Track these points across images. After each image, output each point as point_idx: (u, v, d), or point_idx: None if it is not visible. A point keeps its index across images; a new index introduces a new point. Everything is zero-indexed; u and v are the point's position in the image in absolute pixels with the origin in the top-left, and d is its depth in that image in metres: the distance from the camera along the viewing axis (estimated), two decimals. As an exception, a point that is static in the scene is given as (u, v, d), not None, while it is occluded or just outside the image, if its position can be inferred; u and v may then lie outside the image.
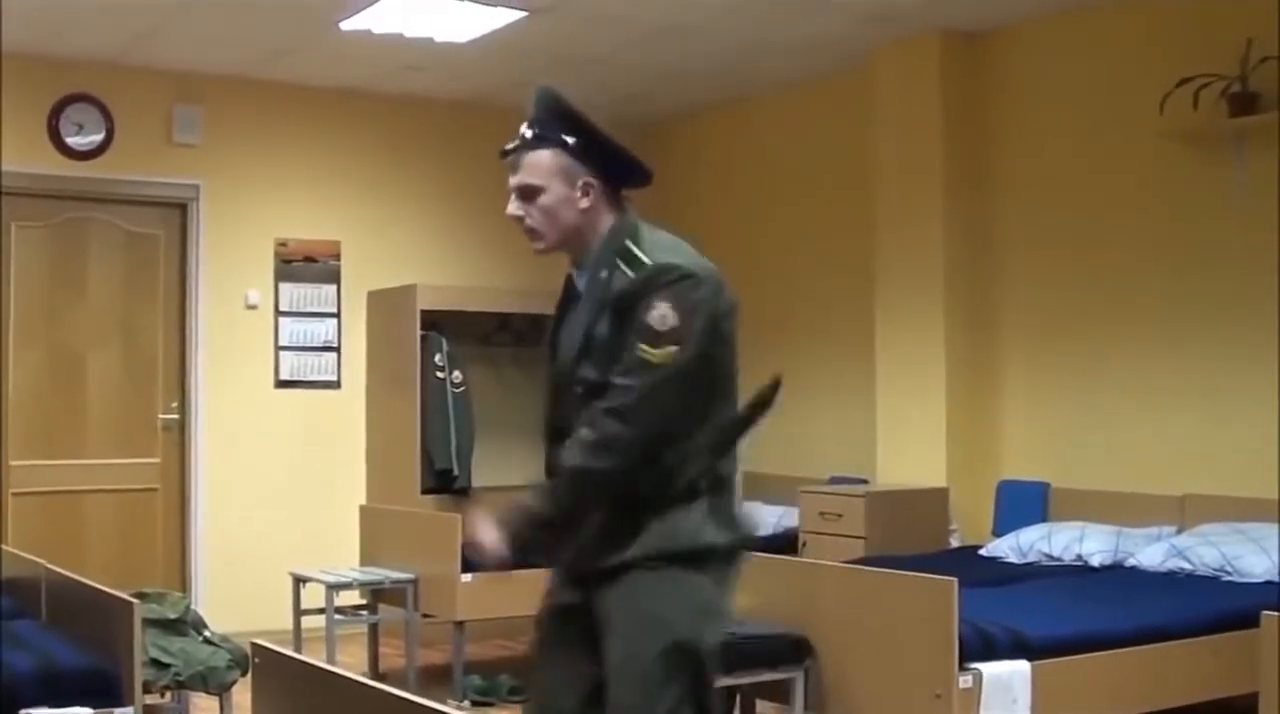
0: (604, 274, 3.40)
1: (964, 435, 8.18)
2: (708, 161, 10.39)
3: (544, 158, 3.43)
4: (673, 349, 3.27)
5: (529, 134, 3.45)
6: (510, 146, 3.50)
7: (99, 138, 8.90)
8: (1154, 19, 7.47)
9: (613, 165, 3.48)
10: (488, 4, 7.75)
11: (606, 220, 3.47)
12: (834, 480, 8.37)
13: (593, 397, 3.36)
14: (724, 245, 9.83)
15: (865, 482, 8.43)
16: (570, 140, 3.43)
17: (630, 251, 3.38)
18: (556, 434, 3.49)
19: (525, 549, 3.43)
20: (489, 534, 3.40)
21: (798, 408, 8.86)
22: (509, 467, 9.52)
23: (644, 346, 3.27)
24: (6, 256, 8.75)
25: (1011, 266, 8.18)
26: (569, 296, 3.56)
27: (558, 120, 3.44)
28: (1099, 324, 7.72)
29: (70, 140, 8.82)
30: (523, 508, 3.41)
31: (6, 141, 8.58)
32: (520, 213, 3.48)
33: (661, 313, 3.27)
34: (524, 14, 7.90)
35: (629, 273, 3.35)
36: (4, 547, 7.27)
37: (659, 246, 3.41)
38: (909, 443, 8.33)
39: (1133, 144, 7.52)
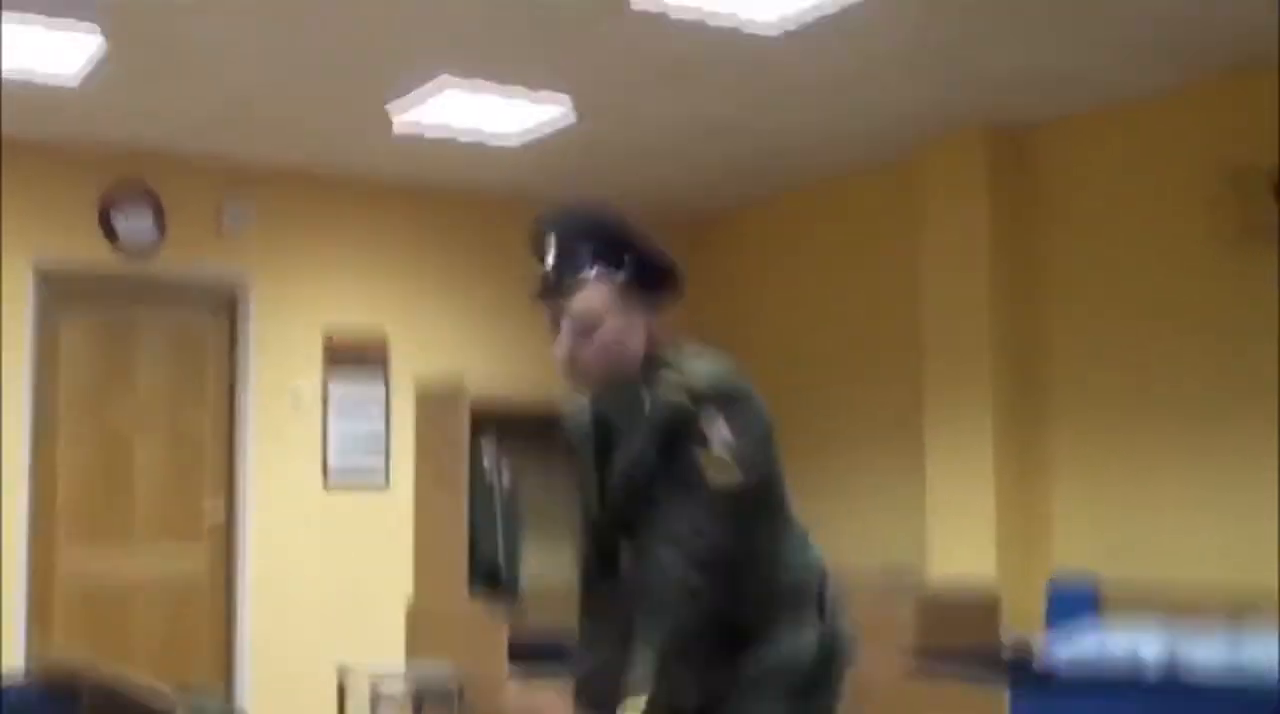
0: (645, 397, 3.18)
1: (1015, 527, 8.10)
2: (755, 255, 10.38)
3: (600, 290, 3.18)
4: (738, 472, 3.07)
5: (572, 266, 3.19)
6: (549, 283, 3.22)
7: (150, 227, 8.94)
8: (1203, 111, 7.44)
9: (660, 286, 3.26)
10: (538, 101, 7.78)
11: (643, 342, 3.24)
12: (883, 571, 8.27)
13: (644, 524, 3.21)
14: (770, 338, 9.90)
15: (915, 573, 8.34)
16: (622, 272, 3.19)
17: (673, 368, 3.17)
18: (603, 569, 3.42)
19: None
20: None
21: (846, 501, 8.80)
22: (559, 564, 9.45)
23: (709, 465, 3.06)
24: (55, 346, 8.78)
25: (1061, 360, 8.13)
26: (605, 429, 3.33)
27: (606, 246, 3.20)
28: (1150, 417, 7.65)
29: (122, 231, 8.86)
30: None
31: (58, 231, 8.67)
32: (574, 350, 3.20)
33: (722, 432, 3.07)
34: (575, 113, 7.93)
35: (674, 393, 3.13)
36: (47, 643, 7.26)
37: (701, 360, 3.20)
38: (959, 536, 8.25)
39: (1181, 238, 7.48)
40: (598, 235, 3.21)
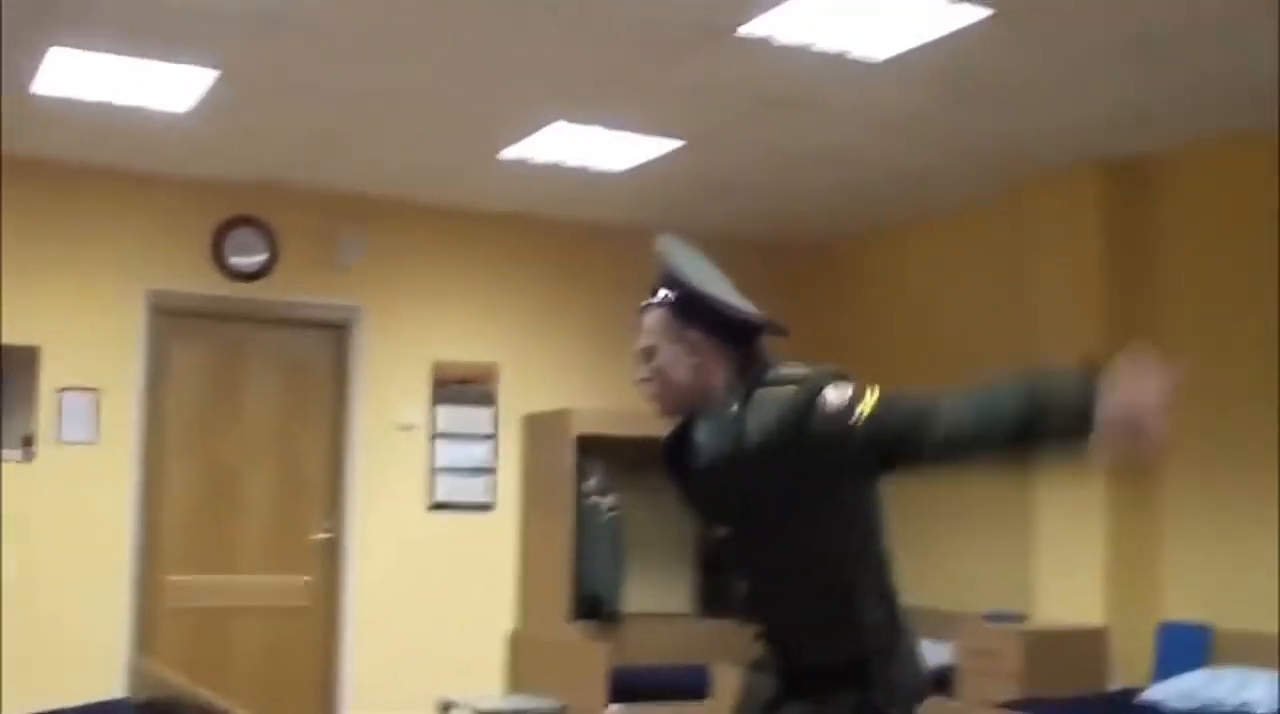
0: (734, 409, 3.22)
1: (1124, 572, 7.95)
2: (861, 285, 10.31)
3: (654, 317, 3.36)
4: (867, 398, 3.06)
5: (650, 294, 3.39)
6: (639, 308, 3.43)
7: (262, 259, 9.03)
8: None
9: (720, 319, 3.33)
10: (645, 133, 7.79)
11: (726, 375, 3.30)
12: (989, 616, 8.17)
13: (751, 525, 3.27)
14: (874, 373, 9.75)
15: (1021, 618, 8.23)
16: (669, 296, 3.34)
17: (773, 377, 3.21)
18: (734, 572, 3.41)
19: None
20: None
21: (952, 541, 8.70)
22: (661, 594, 9.45)
23: (853, 419, 3.03)
24: (166, 374, 8.89)
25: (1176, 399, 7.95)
26: (685, 451, 3.37)
27: (662, 276, 3.37)
28: (1267, 460, 7.48)
29: (233, 261, 8.95)
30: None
31: (170, 261, 8.79)
32: (643, 375, 3.39)
33: (836, 393, 3.07)
34: (681, 143, 7.93)
35: (783, 389, 3.15)
36: (151, 666, 7.33)
37: (796, 365, 3.25)
38: (1067, 579, 8.12)
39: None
40: (660, 264, 3.37)
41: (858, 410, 3.04)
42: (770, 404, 3.17)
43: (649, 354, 3.35)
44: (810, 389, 3.12)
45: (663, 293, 3.35)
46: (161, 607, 8.75)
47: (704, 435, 3.30)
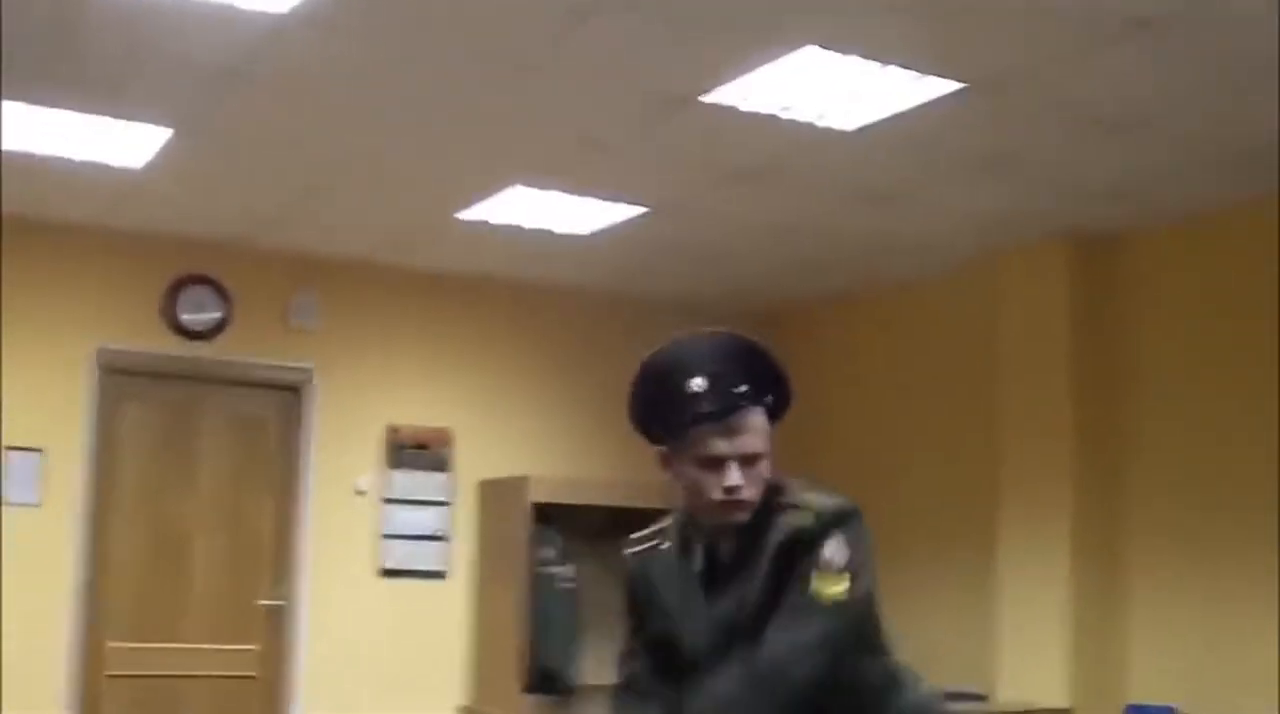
0: (767, 527, 3.05)
1: (1089, 652, 7.86)
2: (827, 355, 10.20)
3: (760, 419, 3.06)
4: (846, 584, 2.96)
5: (736, 396, 3.05)
6: (724, 406, 3.03)
7: (215, 318, 8.87)
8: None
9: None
10: (608, 199, 7.69)
11: None
12: (949, 695, 8.03)
13: None
14: (837, 446, 9.69)
15: (984, 698, 8.11)
16: (772, 400, 3.10)
17: (792, 501, 3.06)
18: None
19: None
20: None
21: (911, 615, 8.56)
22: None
23: (817, 578, 2.94)
24: (115, 434, 8.71)
25: (1141, 480, 7.90)
26: (713, 563, 3.14)
27: (765, 377, 3.12)
28: (1234, 541, 7.40)
29: (186, 320, 8.79)
30: None
31: (121, 319, 8.63)
32: (743, 482, 3.02)
33: (835, 546, 2.96)
34: (644, 209, 7.83)
35: (799, 521, 3.00)
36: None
37: (816, 489, 3.11)
38: (1032, 659, 8.01)
39: (1267, 353, 7.25)
40: (758, 364, 3.16)
41: (825, 587, 2.96)
42: (785, 530, 3.02)
43: (755, 460, 3.05)
44: (825, 528, 3.00)
45: (769, 394, 3.12)
46: (104, 675, 8.53)
47: (728, 549, 3.11)
